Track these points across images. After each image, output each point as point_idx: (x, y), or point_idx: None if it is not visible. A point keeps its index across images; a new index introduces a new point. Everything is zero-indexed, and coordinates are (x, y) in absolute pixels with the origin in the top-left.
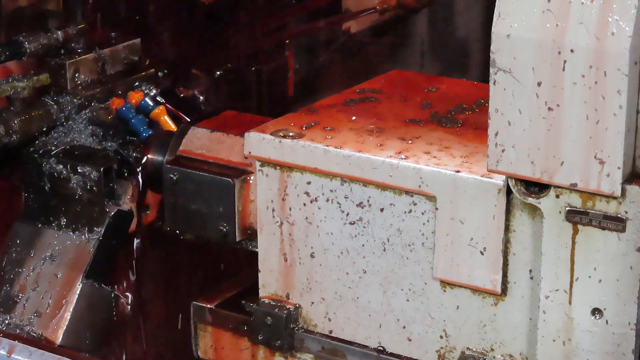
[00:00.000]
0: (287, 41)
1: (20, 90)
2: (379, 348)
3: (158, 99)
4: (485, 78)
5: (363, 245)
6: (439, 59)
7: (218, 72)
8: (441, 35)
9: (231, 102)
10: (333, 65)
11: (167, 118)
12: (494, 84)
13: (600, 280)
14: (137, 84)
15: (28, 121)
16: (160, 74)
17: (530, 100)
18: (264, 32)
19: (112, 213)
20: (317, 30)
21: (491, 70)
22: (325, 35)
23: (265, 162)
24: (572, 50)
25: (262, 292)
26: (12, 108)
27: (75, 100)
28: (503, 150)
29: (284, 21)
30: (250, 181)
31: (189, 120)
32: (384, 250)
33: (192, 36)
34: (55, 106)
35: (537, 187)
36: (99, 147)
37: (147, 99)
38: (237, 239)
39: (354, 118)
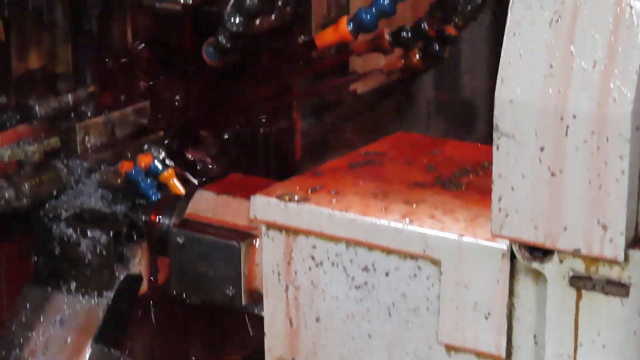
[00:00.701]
0: (294, 102)
1: (30, 154)
2: None
3: (167, 161)
4: (490, 138)
5: (368, 309)
6: (444, 118)
7: (226, 135)
8: (447, 95)
9: (239, 164)
10: (341, 126)
11: (175, 181)
12: (497, 148)
13: (604, 346)
14: (146, 146)
15: (38, 185)
16: (166, 141)
17: (533, 165)
18: (272, 94)
19: (122, 277)
20: (325, 92)
21: (494, 135)
22: (333, 97)
23: (270, 226)
24: (574, 116)
25: (268, 357)
26: (22, 172)
27: (85, 164)
28: (506, 215)
29: (292, 83)
30: (256, 245)
31: (196, 183)
32: (389, 314)
33: (200, 98)
34: (65, 169)
35: (540, 252)
36: (108, 211)
37: (156, 161)
38: (243, 303)
39: (360, 182)
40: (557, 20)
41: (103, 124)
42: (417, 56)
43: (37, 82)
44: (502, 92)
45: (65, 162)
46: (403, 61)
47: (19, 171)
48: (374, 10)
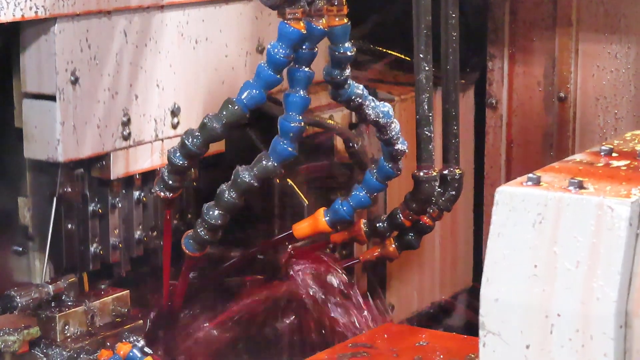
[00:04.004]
0: None
1: (10, 344)
2: None
3: (146, 349)
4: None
5: None
6: None
7: None
8: None
9: None
10: None
11: None
12: (484, 346)
13: None
14: (125, 334)
15: None
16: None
17: None
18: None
19: None
20: None
21: (480, 332)
22: None
23: None
24: (558, 315)
25: None
26: None
27: (64, 353)
28: None
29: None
30: None
31: None
32: None
33: None
34: (44, 358)
35: None
36: None
37: (135, 350)
38: None
39: None
40: (540, 222)
41: (83, 313)
42: (393, 246)
43: None
44: (488, 291)
45: (45, 351)
46: (379, 250)
47: None
48: (350, 202)
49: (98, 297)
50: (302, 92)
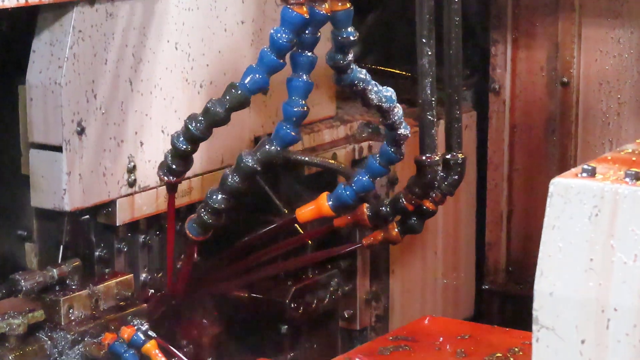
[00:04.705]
0: None
1: (15, 327)
2: None
3: (150, 333)
4: None
5: None
6: None
7: None
8: None
9: None
10: None
11: (157, 352)
12: (537, 341)
13: None
14: (129, 317)
15: (22, 357)
16: None
17: (574, 358)
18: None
19: None
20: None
21: (534, 327)
22: None
23: None
24: (615, 309)
25: None
26: (6, 344)
27: (68, 336)
28: None
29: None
30: None
31: (180, 355)
32: None
33: None
34: (49, 342)
35: None
36: None
37: (139, 333)
38: None
39: None
40: (597, 215)
41: (87, 297)
42: (396, 230)
43: None
44: (542, 284)
45: (49, 334)
46: (382, 235)
47: (3, 343)
48: (353, 187)
49: (102, 280)
50: (305, 77)
